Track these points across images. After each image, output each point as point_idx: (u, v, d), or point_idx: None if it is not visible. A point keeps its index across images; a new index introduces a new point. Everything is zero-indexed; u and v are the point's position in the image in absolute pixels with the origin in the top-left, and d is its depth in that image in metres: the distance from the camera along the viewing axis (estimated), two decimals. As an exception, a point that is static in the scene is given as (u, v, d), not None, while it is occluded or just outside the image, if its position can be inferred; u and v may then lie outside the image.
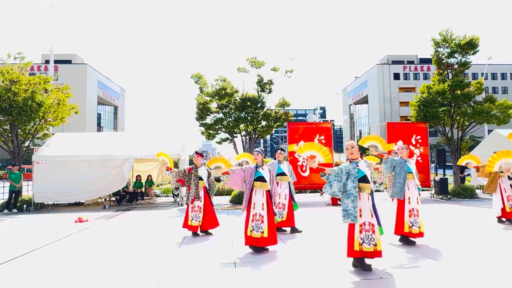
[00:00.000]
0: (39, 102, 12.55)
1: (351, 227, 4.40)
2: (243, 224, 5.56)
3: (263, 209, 5.45)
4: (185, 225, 6.94)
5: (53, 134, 14.20)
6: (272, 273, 4.43)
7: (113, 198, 13.39)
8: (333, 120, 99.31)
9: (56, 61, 42.43)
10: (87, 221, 9.02)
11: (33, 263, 5.11)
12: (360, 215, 4.35)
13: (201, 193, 7.03)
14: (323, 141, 13.83)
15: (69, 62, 56.45)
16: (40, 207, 12.25)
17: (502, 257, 4.94)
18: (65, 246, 6.23)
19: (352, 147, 4.58)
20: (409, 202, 5.88)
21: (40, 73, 15.25)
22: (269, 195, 5.63)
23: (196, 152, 7.18)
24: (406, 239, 5.81)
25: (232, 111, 13.56)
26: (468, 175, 19.18)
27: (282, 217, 7.00)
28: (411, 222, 5.78)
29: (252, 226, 5.39)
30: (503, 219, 7.80)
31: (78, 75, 54.25)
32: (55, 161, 11.87)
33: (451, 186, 14.02)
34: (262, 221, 5.41)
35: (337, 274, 4.31)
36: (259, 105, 13.49)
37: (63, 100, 13.59)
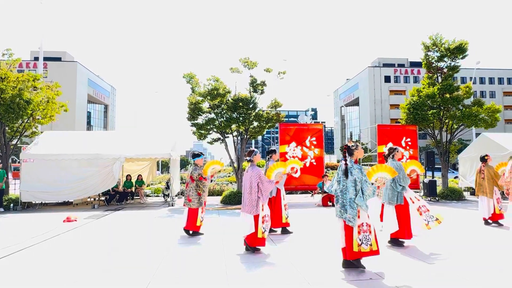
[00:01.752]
0: (27, 99, 12.35)
1: (349, 229, 4.43)
2: (244, 225, 5.49)
3: (267, 209, 5.62)
4: (193, 227, 6.86)
5: (41, 132, 14.00)
6: (262, 274, 4.43)
7: (103, 198, 13.25)
8: (324, 122, 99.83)
9: (45, 58, 41.81)
10: (75, 220, 8.90)
11: (19, 264, 5.02)
12: (359, 216, 4.41)
13: None
14: (315, 143, 13.92)
15: (59, 59, 55.71)
16: (28, 206, 12.05)
17: (491, 258, 5.02)
18: (53, 246, 6.14)
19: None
20: (413, 202, 6.04)
21: (29, 70, 15.00)
22: None
23: (201, 154, 7.19)
24: (395, 241, 5.87)
25: (224, 111, 13.53)
26: (456, 177, 19.47)
27: (288, 217, 7.09)
28: (425, 220, 5.96)
29: (263, 228, 5.46)
30: (490, 221, 7.93)
31: (68, 73, 53.58)
32: (43, 160, 11.71)
33: (439, 188, 14.21)
34: (267, 221, 5.58)
35: (327, 275, 4.33)
36: (251, 106, 13.49)
37: (52, 98, 13.40)
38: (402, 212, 5.87)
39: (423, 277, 4.19)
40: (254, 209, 5.40)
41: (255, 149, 5.82)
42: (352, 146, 4.61)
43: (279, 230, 7.10)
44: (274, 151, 7.12)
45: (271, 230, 6.98)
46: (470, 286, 3.90)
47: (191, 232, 6.92)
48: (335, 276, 4.27)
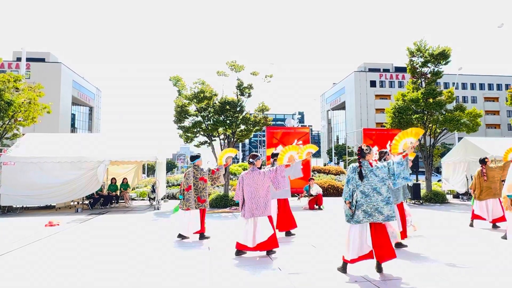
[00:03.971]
0: (8, 100, 12.05)
1: (382, 229, 4.44)
2: (261, 231, 5.46)
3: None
4: (203, 228, 6.86)
5: (23, 134, 13.68)
6: (247, 278, 4.41)
7: (86, 201, 12.99)
8: (311, 125, 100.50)
9: (28, 59, 40.94)
10: (58, 225, 8.69)
11: (-2, 269, 4.87)
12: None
13: None
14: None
15: (42, 60, 54.66)
16: (8, 211, 11.72)
17: (479, 259, 5.12)
18: (34, 251, 5.97)
19: None
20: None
21: (11, 71, 14.66)
22: None
23: (199, 155, 7.16)
24: (399, 243, 5.89)
25: (211, 114, 13.48)
26: (439, 180, 19.85)
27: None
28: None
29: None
30: (474, 223, 8.02)
31: (52, 74, 52.57)
32: (25, 162, 11.42)
33: (423, 191, 14.45)
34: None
35: (314, 279, 4.34)
36: (238, 109, 13.48)
37: (35, 99, 13.12)
38: (401, 211, 5.91)
39: (412, 280, 4.23)
40: (269, 209, 5.48)
41: (259, 154, 5.93)
42: (366, 149, 4.55)
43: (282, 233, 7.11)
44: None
45: (289, 233, 7.09)
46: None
47: (205, 234, 6.87)
48: (321, 279, 4.28)
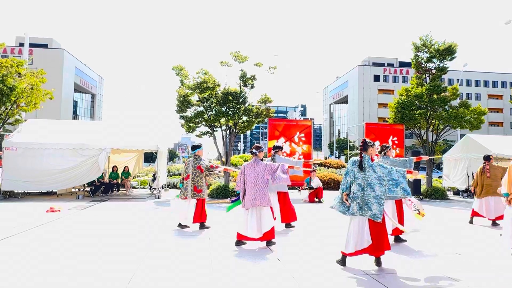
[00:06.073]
0: (10, 86, 12.02)
1: (377, 225, 4.42)
2: (263, 221, 5.52)
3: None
4: (204, 217, 6.86)
5: (25, 120, 13.68)
6: (247, 268, 4.43)
7: (88, 189, 13.05)
8: (313, 118, 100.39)
9: (31, 45, 40.78)
10: (59, 211, 8.74)
11: (-1, 253, 4.90)
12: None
13: None
14: (303, 139, 13.97)
15: (45, 46, 54.41)
16: (9, 196, 11.78)
17: (478, 255, 5.13)
18: (35, 236, 6.01)
19: None
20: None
21: (13, 56, 14.61)
22: None
23: (201, 145, 7.18)
24: (399, 238, 5.91)
25: (214, 105, 13.44)
26: (440, 177, 19.85)
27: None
28: (414, 209, 6.02)
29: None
30: (497, 221, 7.90)
31: (55, 61, 52.36)
32: (27, 148, 11.45)
33: (424, 187, 14.45)
34: None
35: (313, 271, 4.35)
36: (240, 100, 13.43)
37: (37, 85, 13.08)
38: (399, 206, 5.93)
39: (409, 274, 4.25)
40: (269, 200, 5.48)
41: (262, 146, 5.96)
42: (369, 142, 4.58)
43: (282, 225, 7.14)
44: (281, 148, 7.40)
45: (289, 225, 7.13)
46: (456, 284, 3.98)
47: (206, 224, 6.90)
48: (320, 271, 4.30)
